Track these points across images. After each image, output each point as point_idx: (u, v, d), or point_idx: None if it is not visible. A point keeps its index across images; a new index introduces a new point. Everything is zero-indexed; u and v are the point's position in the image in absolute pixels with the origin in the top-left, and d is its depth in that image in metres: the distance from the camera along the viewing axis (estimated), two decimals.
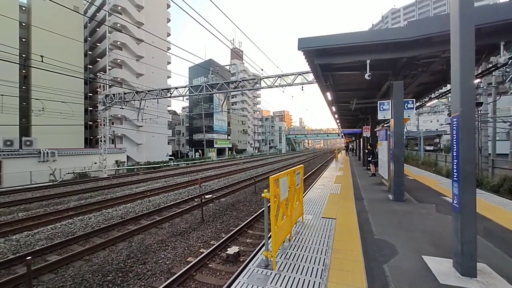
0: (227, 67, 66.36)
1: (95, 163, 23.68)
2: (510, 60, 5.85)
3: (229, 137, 57.93)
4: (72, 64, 26.39)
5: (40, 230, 7.39)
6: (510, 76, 9.54)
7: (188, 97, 23.76)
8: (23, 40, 29.07)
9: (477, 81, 10.90)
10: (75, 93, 28.10)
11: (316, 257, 3.55)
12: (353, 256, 3.54)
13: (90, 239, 6.81)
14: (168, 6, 44.12)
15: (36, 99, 22.05)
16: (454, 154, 2.95)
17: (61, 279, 4.75)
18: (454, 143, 2.96)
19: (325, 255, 3.60)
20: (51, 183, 17.78)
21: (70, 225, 7.88)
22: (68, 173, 21.07)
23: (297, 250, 3.76)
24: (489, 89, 15.10)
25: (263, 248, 3.35)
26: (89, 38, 39.25)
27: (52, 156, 21.45)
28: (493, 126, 15.93)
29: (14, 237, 6.89)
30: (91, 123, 37.56)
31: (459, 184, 2.88)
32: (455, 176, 2.96)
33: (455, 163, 2.96)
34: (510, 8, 4.42)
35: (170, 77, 44.82)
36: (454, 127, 2.95)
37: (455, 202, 2.97)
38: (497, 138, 16.43)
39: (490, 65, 7.62)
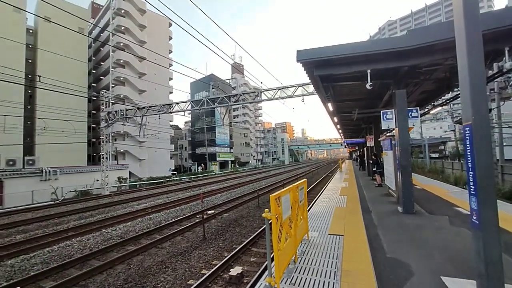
0: (228, 81, 67.33)
1: (97, 181, 23.52)
2: None
3: (231, 150, 57.82)
4: (76, 84, 26.95)
5: (36, 254, 7.14)
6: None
7: (190, 111, 23.92)
8: (29, 61, 29.89)
9: None
10: (79, 111, 28.46)
11: (324, 281, 3.26)
12: (364, 278, 3.25)
13: (88, 262, 6.53)
14: (170, 24, 45.43)
15: (39, 118, 22.29)
16: (469, 166, 2.73)
17: None
18: (468, 153, 2.74)
19: (334, 278, 3.32)
20: (53, 202, 17.59)
21: (68, 247, 7.61)
22: (70, 191, 20.89)
23: (303, 274, 3.48)
24: (491, 95, 14.94)
25: (266, 273, 3.09)
26: (93, 58, 40.26)
27: (54, 174, 21.35)
28: (499, 131, 15.63)
29: (9, 262, 6.64)
30: (94, 140, 37.81)
31: (477, 198, 2.64)
32: (472, 190, 2.73)
33: (471, 175, 2.73)
34: None
35: (172, 92, 45.42)
36: (467, 137, 2.75)
37: (474, 217, 2.71)
38: (504, 144, 16.07)
39: (493, 72, 7.52)
